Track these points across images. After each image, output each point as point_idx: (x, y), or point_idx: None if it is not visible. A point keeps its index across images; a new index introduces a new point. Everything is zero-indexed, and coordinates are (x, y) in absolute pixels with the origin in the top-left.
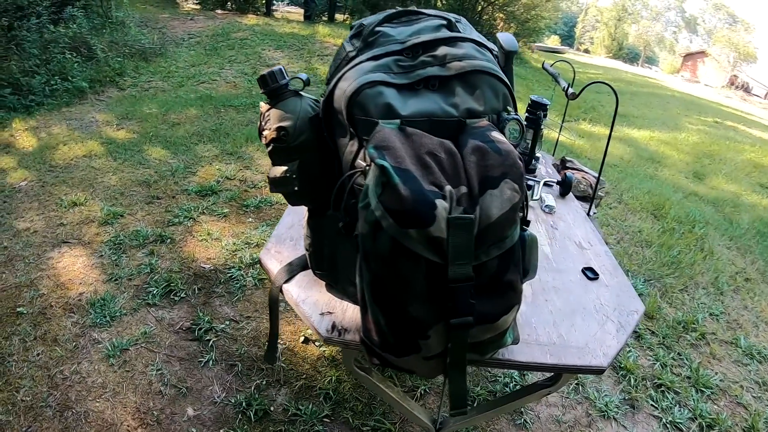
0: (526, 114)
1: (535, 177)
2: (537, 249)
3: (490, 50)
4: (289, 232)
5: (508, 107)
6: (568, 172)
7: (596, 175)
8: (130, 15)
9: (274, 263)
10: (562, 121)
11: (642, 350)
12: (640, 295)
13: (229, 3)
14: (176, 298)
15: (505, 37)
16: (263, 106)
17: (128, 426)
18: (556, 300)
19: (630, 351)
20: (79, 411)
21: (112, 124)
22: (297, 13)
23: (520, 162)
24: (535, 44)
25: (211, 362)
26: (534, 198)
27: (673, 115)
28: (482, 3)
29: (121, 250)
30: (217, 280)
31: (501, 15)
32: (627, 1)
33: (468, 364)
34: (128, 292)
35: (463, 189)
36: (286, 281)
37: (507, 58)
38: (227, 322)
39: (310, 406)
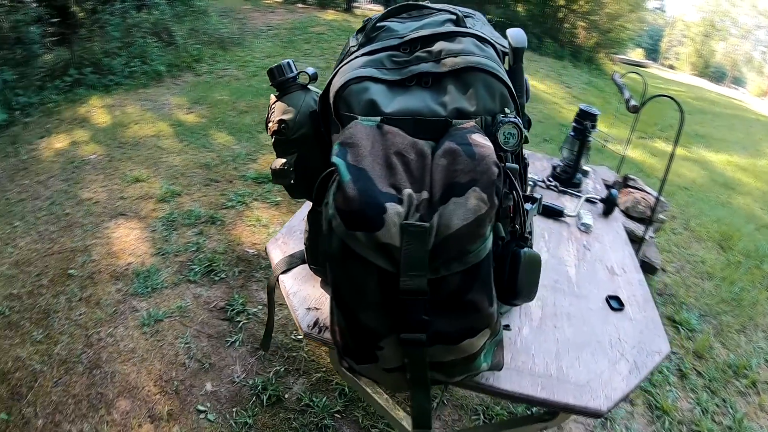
0: (574, 124)
1: (579, 192)
2: (537, 270)
3: (494, 46)
4: (301, 225)
5: (507, 109)
6: (613, 190)
7: (662, 199)
8: (212, 5)
9: (278, 253)
10: (629, 137)
11: (684, 391)
12: (691, 331)
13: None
14: (216, 278)
15: (514, 32)
16: (272, 98)
17: (149, 391)
18: (566, 328)
19: (670, 390)
20: (106, 371)
21: (183, 107)
22: (377, 10)
23: (495, 169)
24: (618, 56)
25: (237, 343)
26: (570, 214)
27: (756, 140)
28: (564, 10)
29: (172, 227)
30: (258, 265)
31: (583, 24)
32: (715, 16)
33: (436, 384)
34: (172, 267)
35: (425, 194)
36: (284, 272)
37: (515, 55)
38: (260, 307)
39: (324, 400)
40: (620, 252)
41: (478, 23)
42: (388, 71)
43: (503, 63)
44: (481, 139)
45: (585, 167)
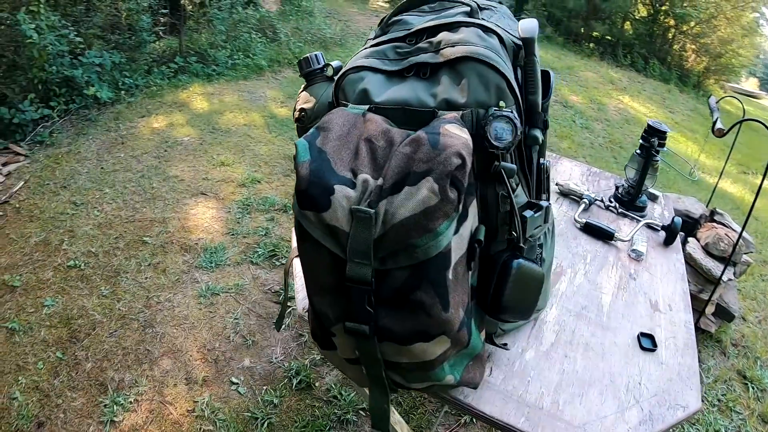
0: (641, 141)
1: (641, 216)
2: (534, 286)
3: (500, 37)
4: None
5: (502, 102)
6: (677, 218)
7: (746, 236)
8: (319, 6)
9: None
10: (723, 168)
11: None
12: (762, 391)
13: None
14: (277, 263)
15: (524, 23)
16: (301, 88)
17: (191, 356)
18: (578, 360)
19: None
20: (157, 331)
21: (278, 100)
22: None
23: (456, 160)
24: (729, 84)
25: (283, 327)
26: (622, 238)
27: None
28: (674, 31)
29: (247, 210)
30: None
31: (693, 47)
32: None
33: (398, 387)
34: (238, 248)
35: (381, 181)
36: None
37: (526, 47)
38: None
39: (351, 395)
40: (671, 287)
41: (496, 15)
42: (390, 62)
43: (517, 56)
44: (454, 130)
45: (654, 191)
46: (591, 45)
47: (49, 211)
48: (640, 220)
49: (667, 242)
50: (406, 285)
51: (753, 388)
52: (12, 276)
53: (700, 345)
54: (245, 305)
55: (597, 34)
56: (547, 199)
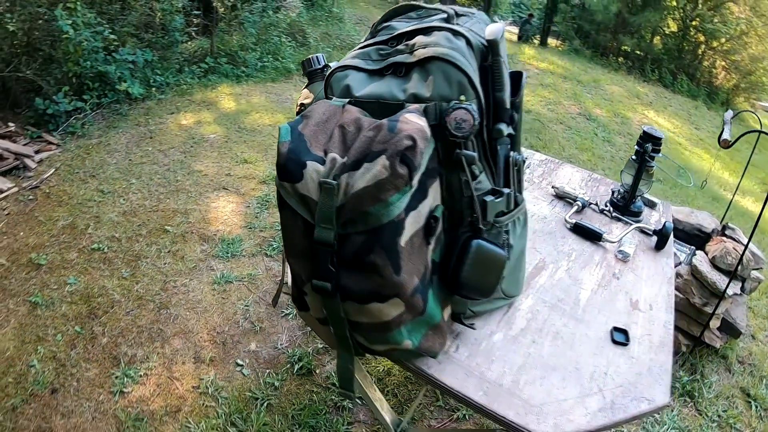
0: (636, 147)
1: (636, 220)
2: (494, 267)
3: (468, 40)
4: None
5: (462, 96)
6: (668, 222)
7: (757, 253)
8: (349, 12)
9: None
10: (739, 183)
11: None
12: (766, 410)
13: None
14: None
15: (490, 27)
16: (304, 85)
17: (201, 337)
18: (546, 346)
19: None
20: (171, 313)
21: None
22: (511, 32)
23: (407, 142)
24: (760, 103)
25: (291, 316)
26: (609, 239)
27: None
28: (703, 47)
29: (265, 206)
30: None
31: (723, 63)
32: None
33: (364, 349)
34: (254, 240)
35: (346, 159)
36: None
37: (491, 48)
38: None
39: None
40: (656, 288)
41: (472, 21)
42: (372, 62)
43: (486, 57)
44: (412, 118)
45: (653, 198)
46: (619, 59)
47: (77, 198)
48: (632, 224)
49: (659, 246)
50: (362, 248)
51: (756, 406)
52: (38, 255)
53: (703, 359)
54: (256, 294)
55: (628, 47)
56: (519, 190)
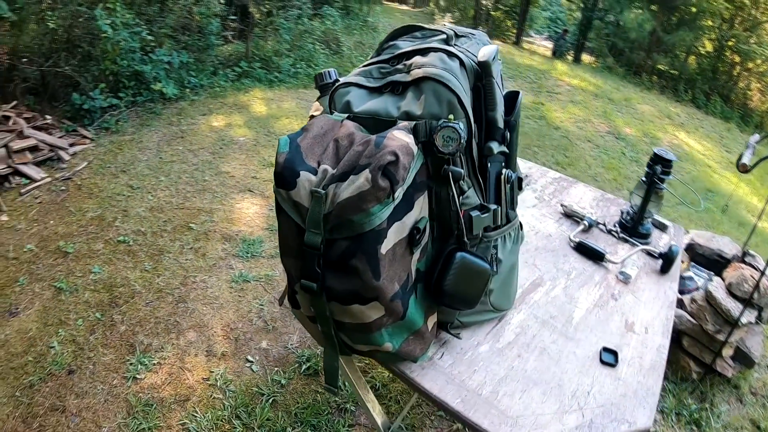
0: (647, 168)
1: (644, 242)
2: (477, 279)
3: (462, 61)
4: None
5: (451, 115)
6: (675, 245)
7: None
8: (384, 22)
9: None
10: (764, 207)
11: None
12: None
13: (480, 28)
14: None
15: (483, 49)
16: (316, 98)
17: (214, 332)
18: (530, 360)
19: None
20: (189, 306)
21: None
22: (545, 47)
23: (390, 157)
24: None
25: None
26: (612, 260)
27: None
28: (738, 68)
29: None
30: None
31: (758, 85)
32: None
33: (348, 349)
34: (275, 242)
35: (336, 171)
36: None
37: (483, 70)
38: None
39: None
40: (654, 312)
41: (470, 42)
42: (373, 79)
43: (481, 78)
44: (399, 135)
45: (664, 221)
46: (652, 78)
47: (107, 191)
48: (638, 246)
49: (664, 270)
50: (345, 252)
51: None
52: (66, 243)
53: (714, 388)
54: (272, 294)
55: (662, 66)
56: (512, 207)
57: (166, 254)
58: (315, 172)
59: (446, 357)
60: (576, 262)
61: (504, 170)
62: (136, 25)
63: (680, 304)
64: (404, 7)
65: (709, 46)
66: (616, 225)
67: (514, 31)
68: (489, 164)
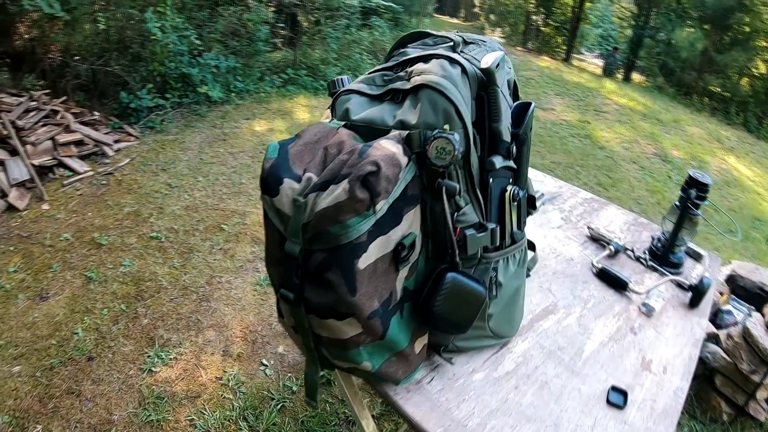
0: (681, 193)
1: (676, 272)
2: (467, 302)
3: (464, 68)
4: None
5: (447, 125)
6: (707, 278)
7: None
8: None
9: None
10: None
11: None
12: None
13: (530, 43)
14: None
15: (486, 56)
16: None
17: (233, 332)
18: (528, 394)
19: None
20: (211, 305)
21: None
22: (596, 65)
23: (370, 167)
24: None
25: None
26: (636, 289)
27: None
28: None
29: None
30: None
31: None
32: None
33: (328, 363)
34: None
35: (318, 179)
36: None
37: (487, 78)
38: None
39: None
40: (677, 350)
41: (479, 49)
42: (376, 87)
43: (486, 86)
44: (385, 144)
45: (700, 250)
46: (704, 99)
47: (146, 188)
48: (667, 276)
49: (693, 304)
50: (322, 264)
51: None
52: (101, 235)
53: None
54: None
55: (713, 87)
56: (519, 227)
57: (195, 253)
58: (299, 180)
59: (436, 382)
60: (596, 290)
61: (510, 187)
62: (185, 29)
63: (715, 339)
64: (454, 20)
65: (762, 68)
66: (646, 252)
67: (564, 47)
68: (491, 180)
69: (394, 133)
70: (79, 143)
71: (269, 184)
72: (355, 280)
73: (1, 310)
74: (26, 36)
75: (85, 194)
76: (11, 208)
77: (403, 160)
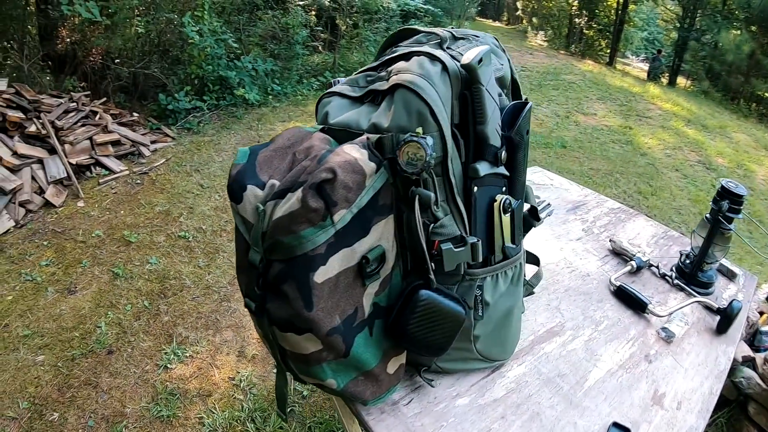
0: (711, 204)
1: (705, 292)
2: (448, 326)
3: (445, 66)
4: None
5: (420, 128)
6: (737, 300)
7: None
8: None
9: None
10: None
11: None
12: None
13: (573, 46)
14: None
15: (469, 51)
16: None
17: (250, 334)
18: (515, 425)
19: None
20: (231, 306)
21: None
22: (641, 69)
23: (325, 174)
24: None
25: None
26: (655, 311)
27: None
28: None
29: None
30: None
31: None
32: None
33: (296, 377)
34: None
35: (278, 187)
36: None
37: (469, 75)
38: None
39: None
40: (697, 382)
41: (468, 44)
42: (358, 88)
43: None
44: (348, 149)
45: (733, 267)
46: (751, 104)
47: (178, 188)
48: (694, 297)
49: (720, 329)
50: (279, 276)
51: None
52: (131, 233)
53: None
54: None
55: (761, 92)
56: (514, 241)
57: (221, 253)
58: (263, 187)
59: (414, 404)
60: (611, 311)
61: (500, 197)
62: (224, 33)
63: (752, 363)
64: (497, 24)
65: None
66: (673, 269)
67: (608, 51)
68: (475, 188)
69: (362, 137)
70: (116, 143)
71: (234, 190)
72: (311, 294)
73: (31, 302)
74: (68, 39)
75: (120, 192)
76: (48, 204)
77: (369, 166)
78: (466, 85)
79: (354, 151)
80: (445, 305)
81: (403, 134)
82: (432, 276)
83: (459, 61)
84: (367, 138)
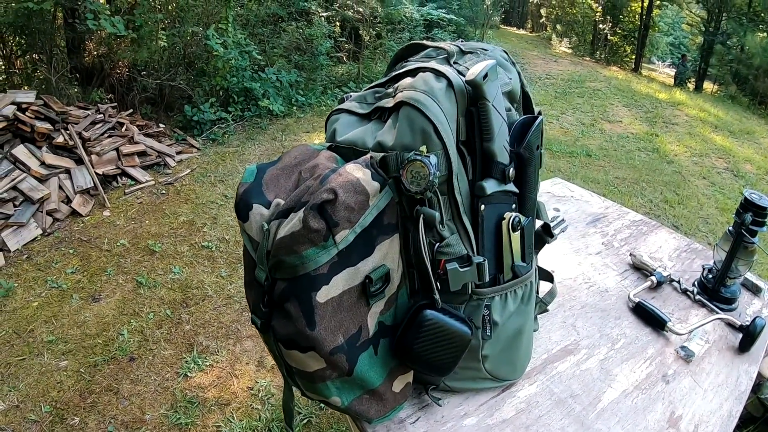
0: (735, 217)
1: (728, 308)
2: (454, 346)
3: (450, 81)
4: None
5: (424, 147)
6: (761, 317)
7: None
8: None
9: None
10: None
11: None
12: None
13: (598, 53)
14: None
15: (474, 66)
16: None
17: (261, 351)
18: None
19: None
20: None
21: None
22: (667, 74)
23: (326, 195)
24: None
25: None
26: (675, 329)
27: None
28: None
29: None
30: None
31: None
32: None
33: (303, 393)
34: None
35: (283, 206)
36: None
37: (474, 91)
38: None
39: None
40: (715, 404)
41: (476, 59)
42: (366, 105)
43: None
44: (351, 169)
45: (758, 282)
46: None
47: (203, 198)
48: (717, 313)
49: (743, 348)
50: (282, 294)
51: None
52: (155, 242)
53: None
54: None
55: None
56: (525, 259)
57: (241, 262)
58: (269, 206)
59: (421, 423)
60: (629, 328)
61: (509, 214)
62: (248, 45)
63: None
64: (521, 31)
65: None
66: (695, 284)
67: (633, 57)
68: (482, 207)
69: (365, 156)
70: (142, 154)
71: (240, 209)
72: (313, 313)
73: (56, 308)
74: (95, 52)
75: (145, 202)
76: (75, 213)
77: (372, 185)
78: (472, 101)
79: (357, 171)
80: (451, 325)
81: (407, 153)
82: (437, 296)
83: (459, 77)
84: (371, 157)
